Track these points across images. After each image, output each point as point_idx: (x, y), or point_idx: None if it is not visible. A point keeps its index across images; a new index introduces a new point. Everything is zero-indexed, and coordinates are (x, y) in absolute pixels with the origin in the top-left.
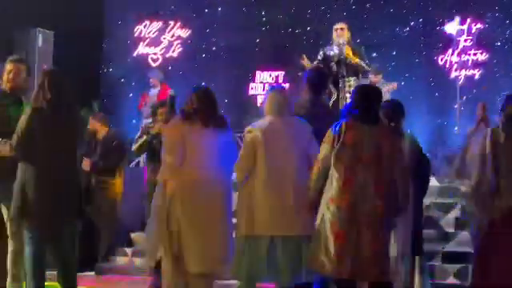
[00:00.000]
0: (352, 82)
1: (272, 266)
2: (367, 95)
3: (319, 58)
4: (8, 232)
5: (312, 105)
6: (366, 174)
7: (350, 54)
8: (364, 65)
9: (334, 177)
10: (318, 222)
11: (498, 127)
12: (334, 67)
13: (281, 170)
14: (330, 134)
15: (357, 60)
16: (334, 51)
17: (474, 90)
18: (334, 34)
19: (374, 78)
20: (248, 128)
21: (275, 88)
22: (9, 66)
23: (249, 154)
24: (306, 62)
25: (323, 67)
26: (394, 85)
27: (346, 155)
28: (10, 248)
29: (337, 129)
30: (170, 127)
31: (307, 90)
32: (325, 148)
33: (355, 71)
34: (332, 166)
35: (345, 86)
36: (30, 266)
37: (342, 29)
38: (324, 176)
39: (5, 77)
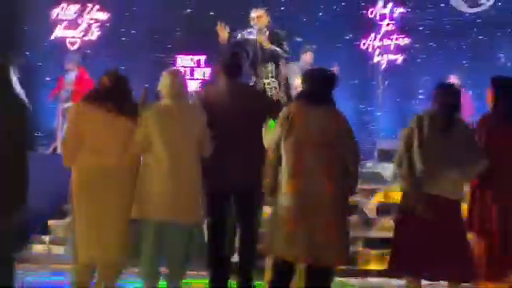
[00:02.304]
0: (269, 68)
1: (161, 251)
2: (312, 78)
3: (238, 38)
4: None
5: (229, 89)
6: (314, 157)
7: (264, 41)
8: (280, 51)
9: (284, 161)
10: (271, 208)
11: (424, 114)
12: (251, 53)
13: (176, 155)
14: (278, 120)
15: (269, 46)
16: (252, 35)
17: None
18: (252, 22)
19: (305, 58)
20: (146, 107)
21: (170, 70)
22: None
23: (143, 135)
24: (223, 32)
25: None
26: (336, 68)
27: (293, 139)
28: None
29: (285, 111)
30: (73, 110)
31: (222, 73)
32: (275, 133)
33: (273, 57)
34: (282, 150)
35: (262, 72)
36: None
37: (259, 17)
38: (278, 161)
39: None
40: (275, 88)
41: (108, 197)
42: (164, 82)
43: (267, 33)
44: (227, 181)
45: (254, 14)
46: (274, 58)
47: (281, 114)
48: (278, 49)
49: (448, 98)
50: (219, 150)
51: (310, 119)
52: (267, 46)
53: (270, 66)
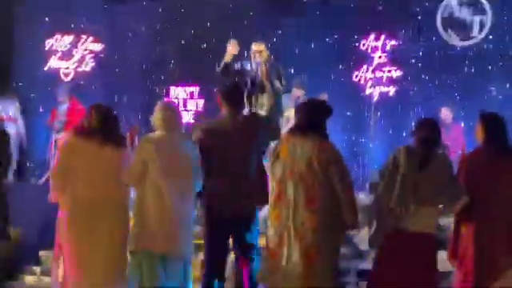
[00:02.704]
0: (264, 101)
1: (160, 283)
2: (301, 109)
3: (236, 68)
4: None
5: (232, 119)
6: (296, 188)
7: (264, 74)
8: (277, 85)
9: (271, 191)
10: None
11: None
12: (249, 83)
13: (174, 187)
14: (269, 151)
15: (268, 78)
16: (250, 67)
17: (389, 107)
18: (252, 55)
19: (296, 92)
20: (142, 138)
21: (163, 103)
22: None
23: (139, 167)
24: (234, 49)
25: (238, 81)
26: (325, 96)
27: (278, 169)
28: None
29: (276, 144)
30: (62, 142)
31: (224, 105)
32: (268, 163)
33: (269, 90)
34: (270, 180)
35: (257, 103)
36: None
37: (259, 52)
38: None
39: None
40: None
41: (99, 231)
42: (157, 115)
43: (266, 66)
44: (231, 206)
45: (254, 47)
46: (271, 90)
47: (273, 146)
48: (276, 83)
49: (425, 132)
50: (221, 176)
51: (295, 149)
52: (265, 78)
53: (264, 98)
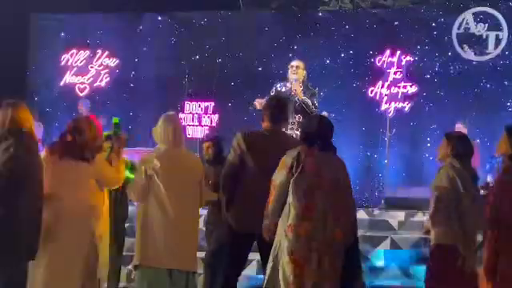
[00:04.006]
0: (296, 119)
1: None
2: (323, 125)
3: (271, 93)
4: None
5: (272, 134)
6: (325, 201)
7: (298, 91)
8: (310, 104)
9: (293, 204)
10: (274, 250)
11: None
12: None
13: (178, 202)
14: (286, 161)
15: (303, 98)
16: (285, 87)
17: (404, 123)
18: (290, 71)
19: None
20: (145, 155)
21: (167, 115)
22: None
23: (144, 182)
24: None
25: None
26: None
27: (305, 182)
28: None
29: (294, 156)
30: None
31: (266, 118)
32: (281, 175)
33: (301, 109)
34: (291, 193)
35: (291, 122)
36: None
37: (297, 67)
38: (281, 203)
39: None
40: None
41: (68, 246)
42: (160, 128)
43: (300, 85)
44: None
45: (294, 63)
46: (304, 110)
47: (289, 158)
48: (309, 101)
49: (464, 147)
50: (250, 191)
51: (322, 165)
52: (301, 96)
53: (297, 118)
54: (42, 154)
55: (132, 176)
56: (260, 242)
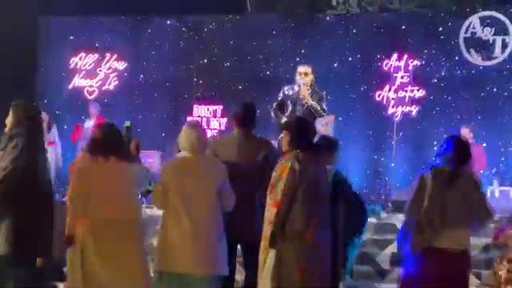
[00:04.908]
0: None
1: None
2: (308, 130)
3: (279, 97)
4: None
5: (244, 138)
6: (325, 207)
7: (306, 95)
8: (319, 108)
9: (298, 211)
10: (276, 258)
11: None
12: (290, 106)
13: (193, 209)
14: (292, 168)
15: (312, 102)
16: (293, 90)
17: (411, 127)
18: (298, 77)
19: (327, 118)
20: (165, 164)
21: (190, 124)
22: None
23: (161, 190)
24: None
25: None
26: (331, 117)
27: (310, 186)
28: None
29: (300, 161)
30: (76, 164)
31: (235, 124)
32: (289, 182)
33: (309, 113)
34: (299, 198)
35: None
36: None
37: (305, 73)
38: (289, 210)
39: None
40: None
41: (119, 249)
42: (183, 136)
43: (308, 89)
44: (237, 231)
45: (302, 69)
46: (312, 114)
47: (295, 164)
48: (318, 107)
49: (451, 150)
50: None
51: (321, 169)
52: (310, 100)
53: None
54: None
55: (151, 188)
56: (246, 248)
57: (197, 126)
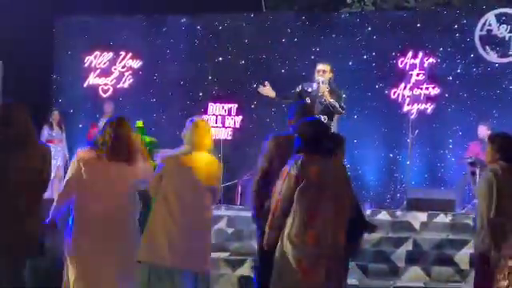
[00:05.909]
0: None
1: None
2: (318, 129)
3: (297, 90)
4: None
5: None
6: (328, 208)
7: (326, 92)
8: (337, 106)
9: (298, 213)
10: (277, 259)
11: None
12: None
13: (187, 205)
14: (291, 172)
15: (331, 100)
16: (311, 88)
17: (426, 124)
18: (316, 74)
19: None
20: (163, 155)
21: (196, 120)
22: None
23: (158, 177)
24: (266, 90)
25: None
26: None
27: (310, 191)
28: None
29: (298, 165)
30: (75, 158)
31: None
32: (286, 185)
33: (328, 111)
34: (296, 202)
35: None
36: None
37: (323, 71)
38: (286, 214)
39: None
40: None
41: (109, 243)
42: (187, 131)
43: (327, 86)
44: None
45: (320, 67)
46: (330, 111)
47: (294, 168)
48: (337, 105)
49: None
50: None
51: (325, 170)
52: (328, 98)
53: (322, 119)
54: (81, 153)
55: None
56: None
57: (201, 122)
